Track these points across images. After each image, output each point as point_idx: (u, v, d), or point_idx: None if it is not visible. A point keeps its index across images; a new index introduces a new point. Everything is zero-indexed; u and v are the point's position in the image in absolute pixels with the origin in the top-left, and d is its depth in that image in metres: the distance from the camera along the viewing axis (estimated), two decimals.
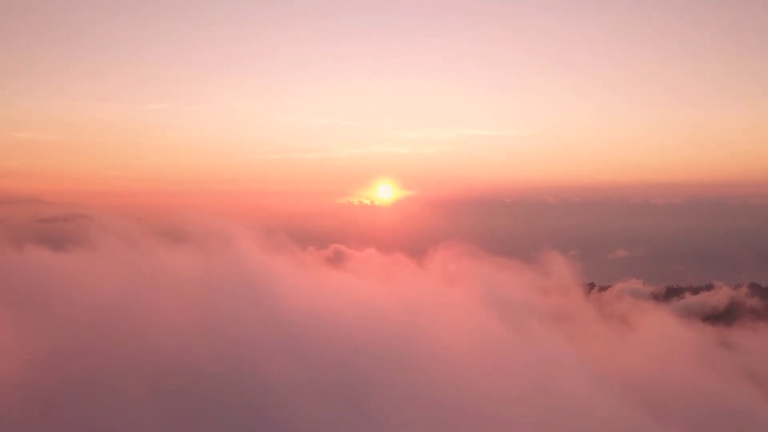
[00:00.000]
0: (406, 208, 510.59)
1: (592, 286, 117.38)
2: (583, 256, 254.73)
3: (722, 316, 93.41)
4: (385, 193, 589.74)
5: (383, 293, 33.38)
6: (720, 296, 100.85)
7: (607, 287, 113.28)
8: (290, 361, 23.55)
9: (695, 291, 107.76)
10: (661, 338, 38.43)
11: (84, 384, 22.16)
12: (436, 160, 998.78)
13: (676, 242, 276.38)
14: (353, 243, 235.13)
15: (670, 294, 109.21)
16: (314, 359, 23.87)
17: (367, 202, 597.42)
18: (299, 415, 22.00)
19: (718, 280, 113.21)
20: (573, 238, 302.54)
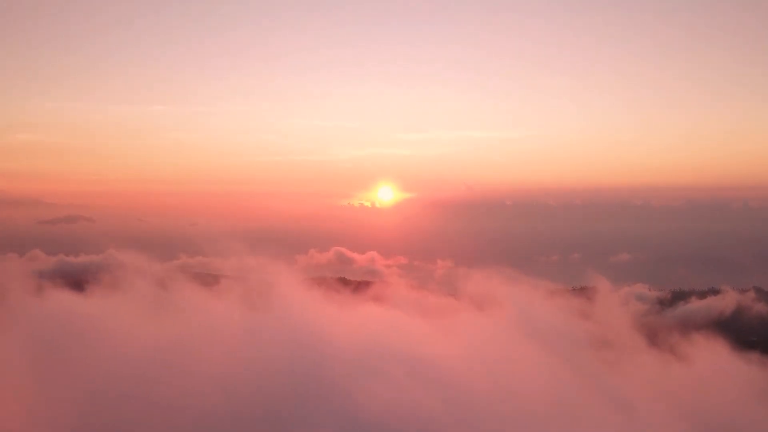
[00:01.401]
0: (407, 210, 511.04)
1: (595, 290, 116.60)
2: (585, 260, 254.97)
3: (729, 321, 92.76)
4: (386, 195, 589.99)
5: (432, 336, 31.12)
6: (727, 301, 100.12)
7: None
8: (339, 413, 22.15)
9: (702, 295, 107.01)
10: (722, 375, 35.75)
11: None
12: (437, 162, 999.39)
13: (677, 245, 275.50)
14: (355, 245, 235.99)
15: (676, 299, 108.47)
16: (368, 412, 22.29)
17: (368, 204, 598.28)
18: None
19: (722, 284, 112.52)
20: (575, 241, 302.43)
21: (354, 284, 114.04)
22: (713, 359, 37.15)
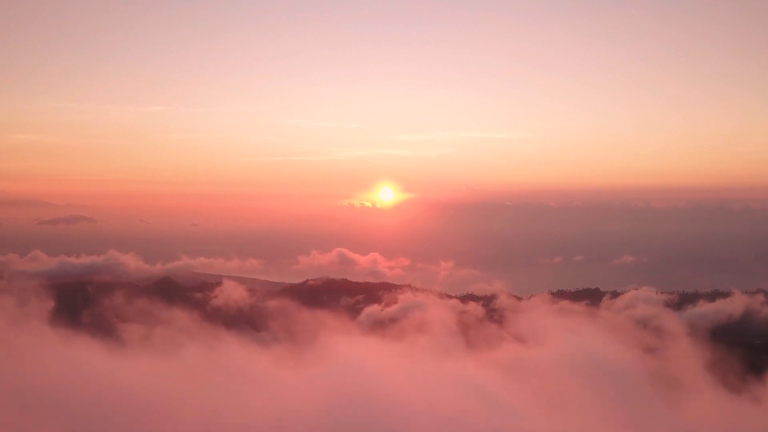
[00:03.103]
0: (407, 211, 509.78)
1: (599, 293, 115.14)
2: (588, 262, 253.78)
3: (738, 324, 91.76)
4: (386, 195, 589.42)
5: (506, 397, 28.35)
6: (735, 304, 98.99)
7: (617, 294, 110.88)
8: None
9: (709, 298, 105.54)
10: None
11: None
12: (437, 162, 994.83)
13: (679, 247, 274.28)
14: (357, 246, 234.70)
15: (683, 301, 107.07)
16: None
17: (369, 204, 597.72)
18: None
19: (726, 286, 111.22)
20: (576, 243, 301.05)
21: (368, 293, 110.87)
22: None
